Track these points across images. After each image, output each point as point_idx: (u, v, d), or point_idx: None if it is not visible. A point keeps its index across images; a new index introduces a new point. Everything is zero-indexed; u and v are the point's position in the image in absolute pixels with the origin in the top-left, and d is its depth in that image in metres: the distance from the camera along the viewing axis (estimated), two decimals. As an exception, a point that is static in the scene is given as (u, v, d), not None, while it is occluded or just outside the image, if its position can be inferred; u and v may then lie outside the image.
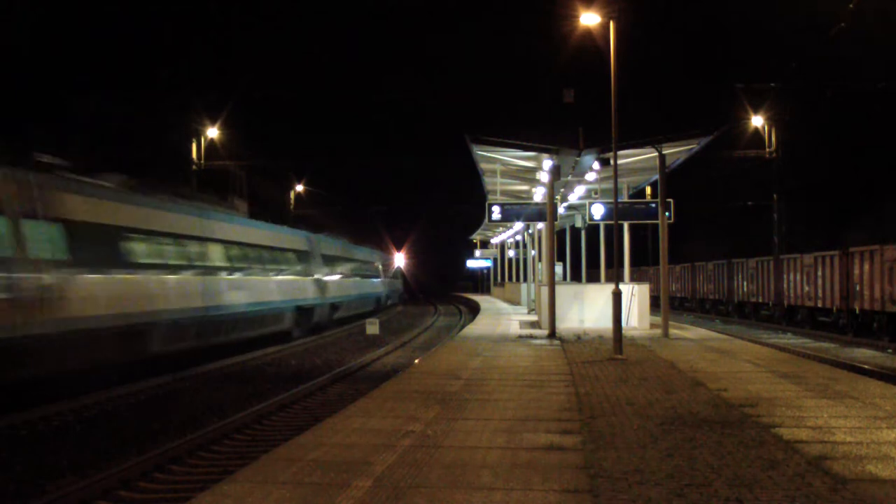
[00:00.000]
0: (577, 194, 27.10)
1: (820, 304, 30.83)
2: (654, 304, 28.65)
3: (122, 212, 17.80)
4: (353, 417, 9.44)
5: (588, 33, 18.83)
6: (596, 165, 21.39)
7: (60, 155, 16.64)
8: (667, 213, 20.84)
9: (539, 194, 25.10)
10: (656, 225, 21.93)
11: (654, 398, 10.51)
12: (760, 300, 37.36)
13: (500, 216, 22.53)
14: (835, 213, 48.82)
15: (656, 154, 20.55)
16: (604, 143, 19.88)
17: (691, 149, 21.57)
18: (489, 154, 22.55)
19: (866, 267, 26.89)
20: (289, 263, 29.09)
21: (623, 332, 16.34)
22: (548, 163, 20.76)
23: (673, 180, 23.69)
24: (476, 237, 63.89)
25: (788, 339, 28.35)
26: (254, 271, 24.99)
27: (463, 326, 31.33)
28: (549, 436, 8.24)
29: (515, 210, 23.10)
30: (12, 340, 13.32)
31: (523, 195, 29.33)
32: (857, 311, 27.74)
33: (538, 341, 19.47)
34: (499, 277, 60.75)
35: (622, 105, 17.33)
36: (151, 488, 9.56)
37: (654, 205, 21.67)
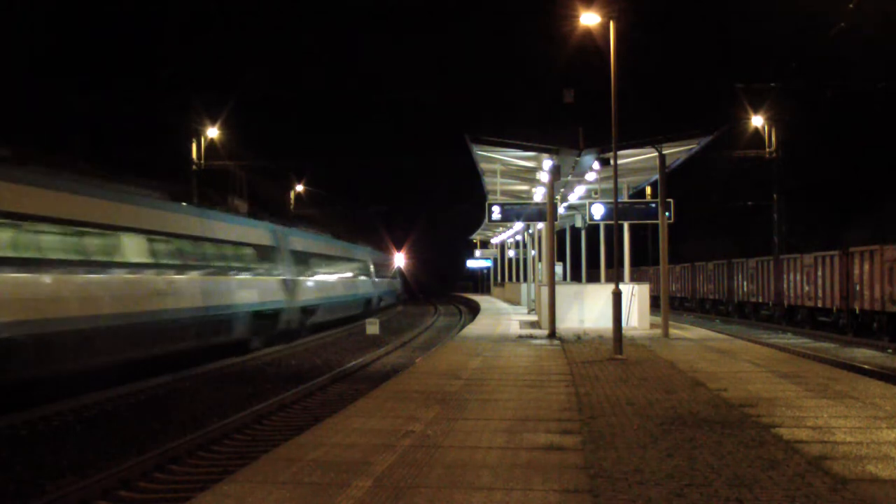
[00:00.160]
0: (577, 194, 27.13)
1: (820, 304, 30.84)
2: (654, 304, 28.68)
3: None
4: (353, 417, 9.44)
5: (588, 33, 18.86)
6: (596, 165, 21.41)
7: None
8: (667, 213, 20.85)
9: (539, 194, 25.10)
10: (656, 225, 21.94)
11: (654, 398, 10.51)
12: (760, 300, 37.36)
13: (500, 216, 22.52)
14: (835, 213, 48.80)
15: (656, 154, 20.56)
16: (604, 143, 19.87)
17: (691, 149, 21.60)
18: (489, 154, 22.56)
19: (866, 267, 26.90)
20: (243, 261, 24.87)
21: (623, 332, 16.34)
22: (548, 163, 20.77)
23: (673, 180, 23.71)
24: (476, 237, 63.90)
25: (788, 339, 28.35)
26: (190, 269, 20.68)
27: (463, 326, 31.32)
28: (549, 436, 8.24)
29: (515, 210, 23.08)
30: None
31: (523, 195, 29.35)
32: (857, 311, 27.74)
33: (538, 341, 19.47)
34: (499, 277, 60.72)
35: (622, 105, 17.35)
36: (151, 488, 9.57)
37: (654, 205, 21.68)
